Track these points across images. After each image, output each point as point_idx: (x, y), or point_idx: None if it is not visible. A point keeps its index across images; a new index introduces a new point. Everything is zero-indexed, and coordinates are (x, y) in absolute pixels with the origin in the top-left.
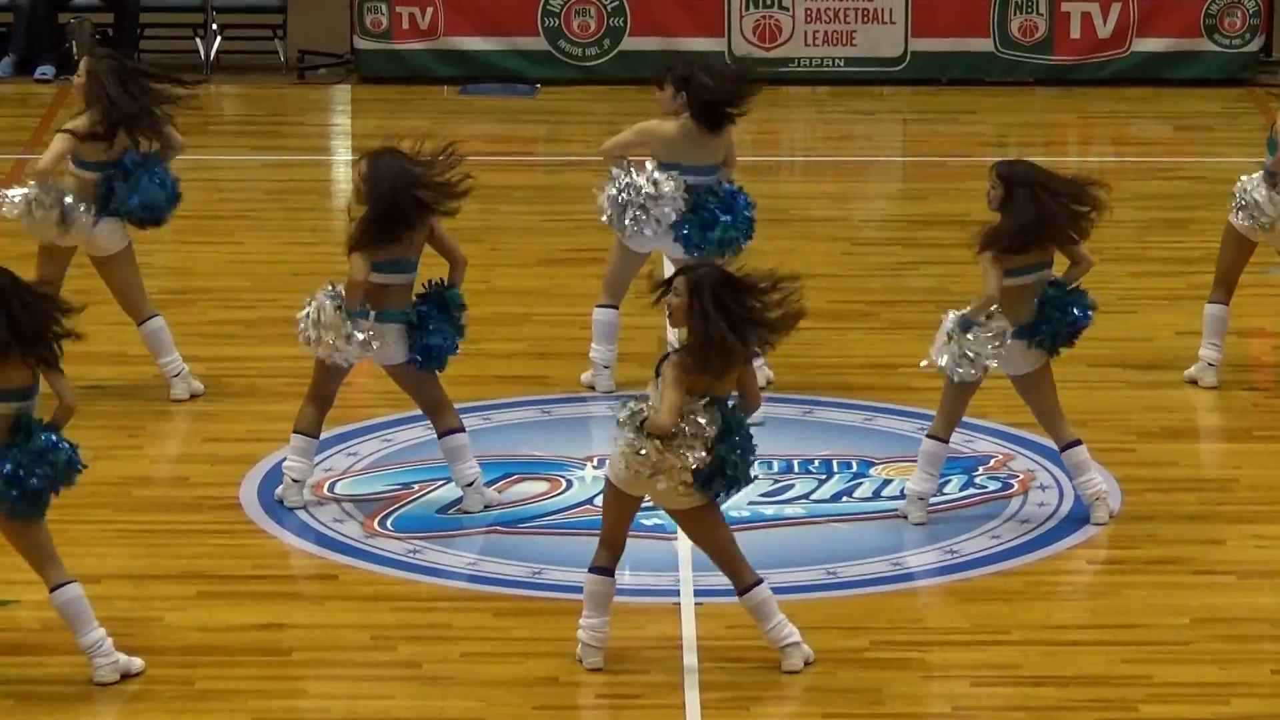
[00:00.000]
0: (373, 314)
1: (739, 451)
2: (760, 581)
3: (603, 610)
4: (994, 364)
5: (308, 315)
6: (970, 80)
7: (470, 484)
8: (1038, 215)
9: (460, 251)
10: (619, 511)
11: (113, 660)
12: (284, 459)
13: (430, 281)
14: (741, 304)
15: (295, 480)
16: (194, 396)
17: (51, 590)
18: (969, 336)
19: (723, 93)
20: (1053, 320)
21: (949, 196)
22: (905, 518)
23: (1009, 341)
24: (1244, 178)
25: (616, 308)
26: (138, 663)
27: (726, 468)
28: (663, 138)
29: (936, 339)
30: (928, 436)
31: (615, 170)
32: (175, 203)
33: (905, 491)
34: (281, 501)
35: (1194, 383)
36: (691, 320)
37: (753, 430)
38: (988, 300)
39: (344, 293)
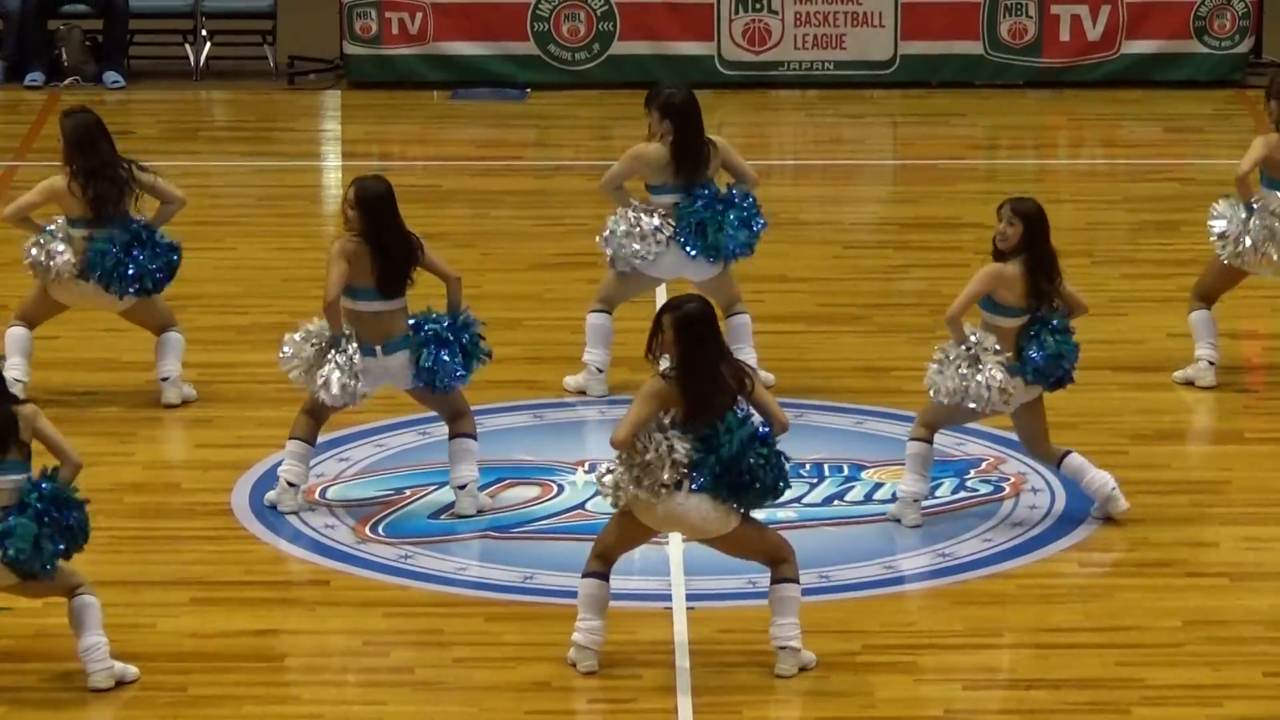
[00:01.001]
0: (379, 349)
1: (750, 461)
2: (794, 581)
3: (599, 613)
4: (989, 408)
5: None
6: (960, 83)
7: (463, 486)
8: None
9: (452, 270)
10: (623, 532)
11: (107, 666)
12: (277, 464)
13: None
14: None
15: (290, 484)
16: (185, 402)
17: (71, 598)
18: (980, 377)
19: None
20: (1061, 367)
21: (940, 199)
22: (899, 521)
23: (1012, 390)
24: (1215, 208)
25: (610, 313)
26: (132, 670)
27: (747, 480)
28: (650, 161)
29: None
30: (912, 439)
31: (618, 214)
32: (165, 273)
33: (897, 495)
34: (274, 506)
35: (1190, 383)
36: (675, 350)
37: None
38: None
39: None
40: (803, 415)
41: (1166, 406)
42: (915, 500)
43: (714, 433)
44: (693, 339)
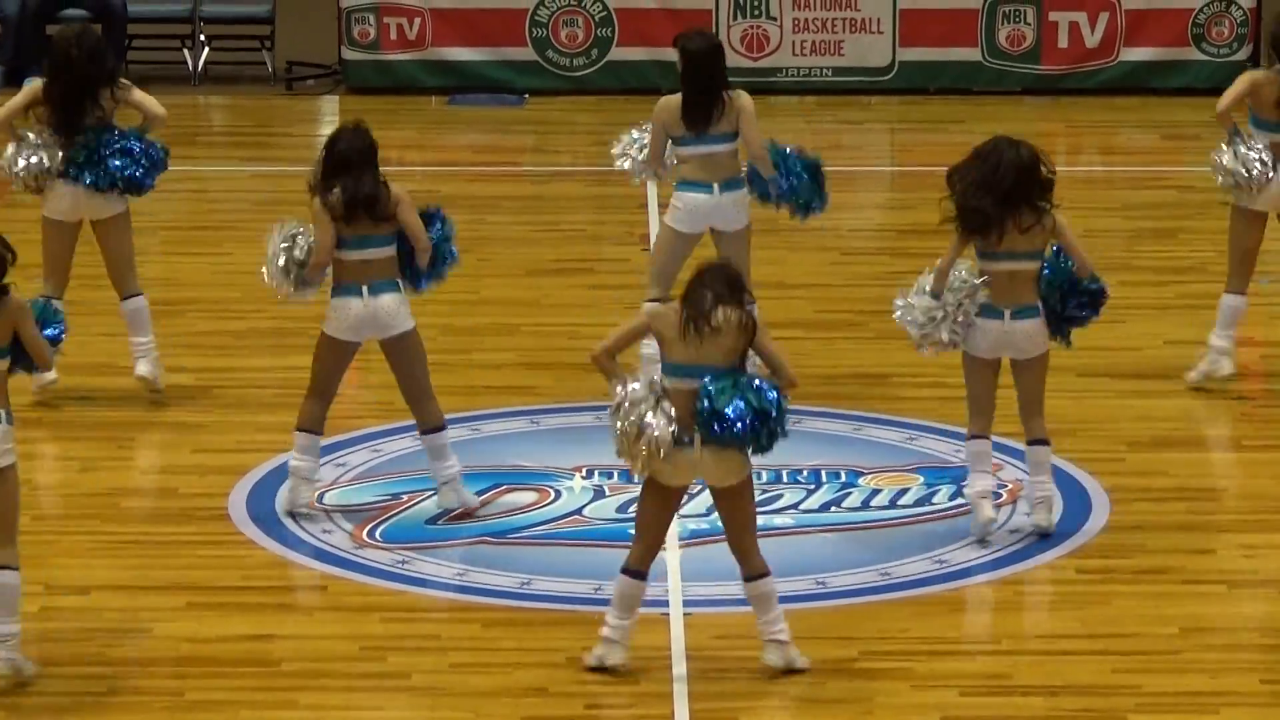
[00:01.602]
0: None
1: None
2: (769, 574)
3: (630, 611)
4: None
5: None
6: (958, 90)
7: (447, 481)
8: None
9: (425, 237)
10: (656, 510)
11: (10, 657)
12: (274, 469)
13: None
14: (735, 290)
15: (303, 478)
16: (154, 382)
17: None
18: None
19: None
20: (1063, 296)
21: (937, 206)
22: (977, 517)
23: (1004, 323)
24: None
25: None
26: (29, 669)
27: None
28: (668, 110)
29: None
30: (971, 437)
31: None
32: (153, 169)
33: (966, 495)
34: (290, 509)
35: (1204, 378)
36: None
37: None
38: (938, 270)
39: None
40: (800, 421)
41: (1163, 413)
42: (984, 496)
43: (707, 381)
44: (706, 277)
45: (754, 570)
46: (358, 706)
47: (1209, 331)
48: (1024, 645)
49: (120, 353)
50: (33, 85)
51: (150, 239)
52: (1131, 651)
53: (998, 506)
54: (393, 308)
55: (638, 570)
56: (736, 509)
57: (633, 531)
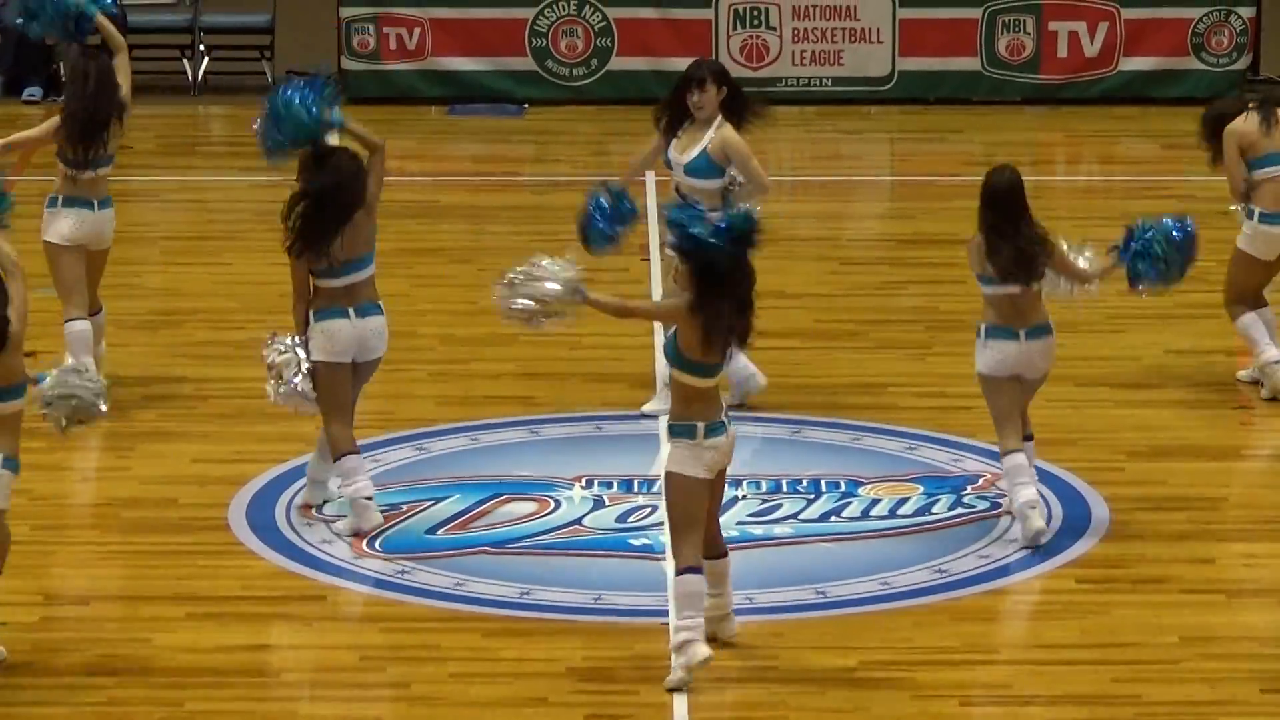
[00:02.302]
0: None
1: None
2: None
3: (702, 607)
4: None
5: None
6: (957, 99)
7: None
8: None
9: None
10: (699, 501)
11: None
12: (274, 478)
13: None
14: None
15: (367, 499)
16: None
17: None
18: None
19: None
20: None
21: (936, 216)
22: (1026, 527)
23: (1023, 344)
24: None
25: None
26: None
27: None
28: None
29: None
30: (1007, 453)
31: None
32: None
33: (1014, 508)
34: (359, 534)
35: (1270, 394)
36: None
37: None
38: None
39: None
40: (799, 431)
41: (1163, 423)
42: (1033, 506)
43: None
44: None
45: (722, 550)
46: (357, 717)
47: (1210, 340)
48: (1024, 655)
49: (120, 362)
50: (52, 122)
51: (150, 249)
52: (1131, 661)
53: (995, 516)
54: (381, 330)
55: (698, 566)
56: (720, 489)
57: (679, 532)
